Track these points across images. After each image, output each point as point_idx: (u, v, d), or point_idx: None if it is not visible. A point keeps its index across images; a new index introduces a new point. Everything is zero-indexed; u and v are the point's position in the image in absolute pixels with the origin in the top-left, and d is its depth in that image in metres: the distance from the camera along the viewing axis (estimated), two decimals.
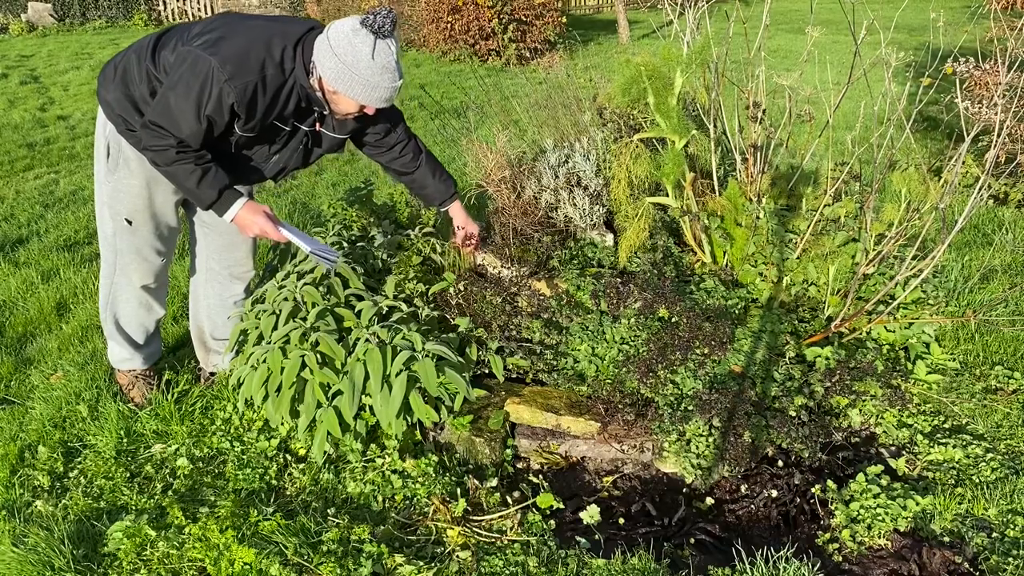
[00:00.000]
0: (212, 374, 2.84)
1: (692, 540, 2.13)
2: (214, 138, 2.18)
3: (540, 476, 2.39)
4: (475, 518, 2.19)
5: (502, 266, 2.98)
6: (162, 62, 2.18)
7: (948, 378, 2.71)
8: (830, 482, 2.25)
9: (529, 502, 2.25)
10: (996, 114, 2.37)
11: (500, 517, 2.19)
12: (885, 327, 2.74)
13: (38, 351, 3.15)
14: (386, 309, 2.62)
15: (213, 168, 2.19)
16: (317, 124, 2.34)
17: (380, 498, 2.28)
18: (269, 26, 2.18)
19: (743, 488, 2.30)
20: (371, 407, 2.40)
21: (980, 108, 2.40)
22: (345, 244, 2.96)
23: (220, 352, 2.77)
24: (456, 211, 2.73)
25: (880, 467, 2.28)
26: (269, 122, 2.22)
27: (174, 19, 16.48)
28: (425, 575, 2.00)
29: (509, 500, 2.26)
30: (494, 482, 2.32)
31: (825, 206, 2.87)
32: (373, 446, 2.42)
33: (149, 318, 2.67)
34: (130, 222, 2.42)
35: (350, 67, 2.06)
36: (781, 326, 2.71)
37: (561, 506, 2.27)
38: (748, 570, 1.95)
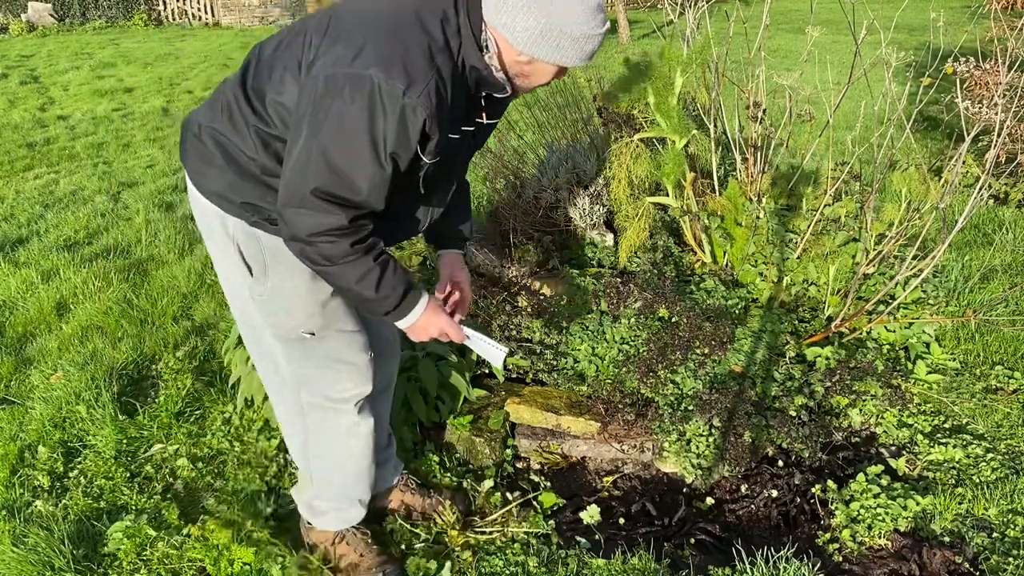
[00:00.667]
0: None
1: (692, 540, 2.13)
2: (394, 188, 1.52)
3: (541, 475, 2.39)
4: (476, 518, 2.19)
5: (502, 266, 2.98)
6: (272, 109, 1.54)
7: (948, 378, 2.71)
8: (830, 482, 2.25)
9: (530, 495, 2.25)
10: (996, 114, 2.37)
11: (501, 517, 2.19)
12: (885, 327, 2.74)
13: (38, 351, 3.15)
14: None
15: (391, 261, 1.59)
16: (484, 115, 1.67)
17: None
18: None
19: (743, 488, 2.30)
20: None
21: (980, 108, 2.40)
22: None
23: (381, 461, 2.10)
24: (453, 263, 1.97)
25: (880, 467, 2.28)
26: (454, 132, 1.56)
27: (174, 19, 16.48)
28: (425, 575, 2.00)
29: (509, 498, 2.26)
30: (490, 483, 2.32)
31: (825, 206, 2.87)
32: None
33: (361, 445, 1.91)
34: (312, 333, 1.73)
35: (557, 19, 1.43)
36: (781, 326, 2.71)
37: (562, 504, 2.27)
38: (748, 570, 1.95)
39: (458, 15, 1.49)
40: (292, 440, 1.98)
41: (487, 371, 2.66)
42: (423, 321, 1.67)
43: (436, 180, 1.62)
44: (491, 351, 1.83)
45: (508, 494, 2.27)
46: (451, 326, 1.72)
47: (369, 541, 2.03)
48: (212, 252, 1.75)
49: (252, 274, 1.68)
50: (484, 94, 1.60)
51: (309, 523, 2.05)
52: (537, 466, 2.44)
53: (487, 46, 1.51)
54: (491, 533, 2.13)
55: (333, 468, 1.94)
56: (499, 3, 1.45)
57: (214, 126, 1.61)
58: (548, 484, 2.33)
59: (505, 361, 1.93)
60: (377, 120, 1.40)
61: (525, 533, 2.13)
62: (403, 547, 2.10)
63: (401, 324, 1.66)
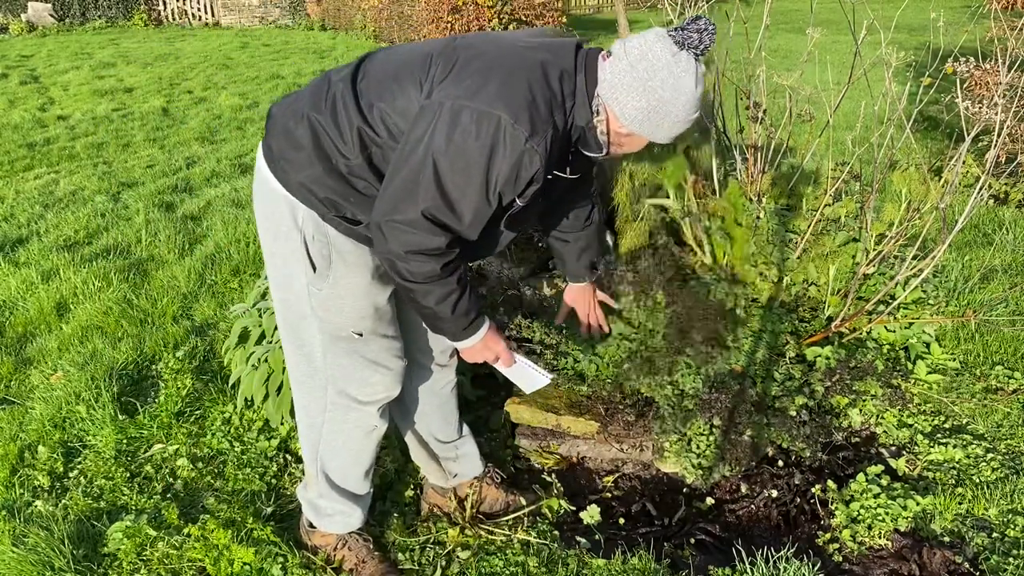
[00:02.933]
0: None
1: (692, 540, 2.13)
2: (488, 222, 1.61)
3: (547, 475, 2.39)
4: (482, 517, 2.19)
5: (502, 266, 2.98)
6: (379, 115, 1.57)
7: (948, 378, 2.71)
8: (830, 482, 2.25)
9: (542, 501, 2.25)
10: (996, 114, 2.37)
11: (514, 521, 2.19)
12: (885, 327, 2.74)
13: (38, 351, 3.15)
14: None
15: (470, 286, 1.67)
16: (568, 169, 1.75)
17: (382, 497, 2.28)
18: (532, 48, 1.58)
19: (743, 488, 2.30)
20: None
21: (980, 108, 2.40)
22: None
23: (453, 456, 2.19)
24: (576, 293, 2.21)
25: (880, 467, 2.28)
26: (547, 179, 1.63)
27: (174, 19, 16.48)
28: (426, 575, 2.00)
29: (523, 502, 2.26)
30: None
31: (825, 206, 2.87)
32: None
33: (372, 447, 1.98)
34: (360, 333, 1.78)
35: (667, 103, 1.52)
36: (781, 326, 2.71)
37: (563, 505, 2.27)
38: (748, 570, 1.95)
39: (575, 76, 1.57)
40: (308, 434, 1.96)
41: (487, 371, 2.66)
42: (480, 345, 1.76)
43: (518, 218, 1.68)
44: (534, 377, 1.90)
45: (521, 499, 2.27)
46: (505, 352, 1.82)
47: (371, 547, 2.03)
48: (270, 239, 1.74)
49: (315, 269, 1.69)
50: (574, 149, 1.69)
51: (312, 525, 2.05)
52: (538, 466, 2.44)
53: (598, 111, 1.59)
54: (498, 535, 2.13)
55: (348, 465, 1.96)
56: (614, 81, 1.54)
57: (318, 116, 1.61)
58: (561, 488, 2.32)
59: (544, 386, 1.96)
60: (496, 158, 1.46)
61: (525, 533, 2.12)
62: (403, 546, 2.10)
63: (459, 345, 1.75)
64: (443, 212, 1.51)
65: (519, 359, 1.88)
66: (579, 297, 2.24)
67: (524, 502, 2.22)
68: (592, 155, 1.69)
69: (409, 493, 2.30)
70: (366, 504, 2.05)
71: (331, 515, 2.01)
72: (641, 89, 1.51)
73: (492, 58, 1.54)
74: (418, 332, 1.99)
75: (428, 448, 2.16)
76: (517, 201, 1.58)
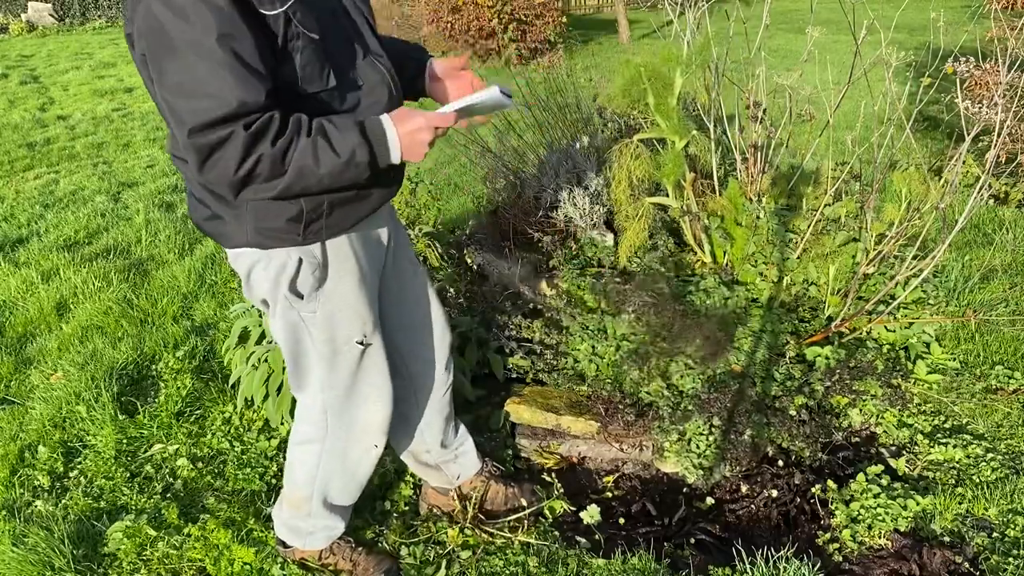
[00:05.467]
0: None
1: (692, 540, 2.13)
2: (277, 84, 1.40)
3: (550, 475, 2.39)
4: (482, 517, 2.19)
5: (502, 266, 2.98)
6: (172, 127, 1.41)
7: (948, 378, 2.71)
8: (830, 482, 2.25)
9: (544, 503, 2.25)
10: (996, 114, 2.37)
11: (515, 522, 2.19)
12: (885, 327, 2.74)
13: (38, 351, 3.15)
14: None
15: (326, 122, 1.44)
16: None
17: (380, 498, 2.28)
18: None
19: (743, 488, 2.30)
20: None
21: (980, 108, 2.40)
22: None
23: (452, 458, 2.16)
24: (431, 69, 1.83)
25: (880, 467, 2.28)
26: None
27: None
28: (426, 575, 2.00)
29: (524, 503, 2.26)
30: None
31: (825, 206, 2.87)
32: None
33: (372, 464, 1.95)
34: (364, 342, 1.74)
35: None
36: (781, 326, 2.71)
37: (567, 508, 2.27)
38: (748, 570, 1.95)
39: None
40: (304, 459, 1.90)
41: (487, 371, 2.66)
42: (403, 134, 1.50)
43: (335, 60, 1.49)
44: (489, 96, 1.61)
45: (520, 490, 2.27)
46: (435, 117, 1.54)
47: (354, 545, 2.02)
48: (264, 299, 1.69)
49: (302, 297, 1.64)
50: None
51: (286, 545, 2.02)
52: (538, 466, 2.44)
53: None
54: (497, 536, 2.13)
55: (346, 482, 1.94)
56: None
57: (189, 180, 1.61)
58: (561, 489, 2.32)
59: (507, 93, 1.62)
60: (189, 13, 1.28)
61: (526, 534, 2.12)
62: (401, 547, 2.10)
63: (394, 157, 1.51)
64: (195, 102, 1.31)
65: (460, 103, 1.60)
66: (436, 71, 1.84)
67: (523, 494, 2.22)
68: None
69: (409, 493, 2.30)
70: (348, 512, 2.03)
71: (313, 532, 1.97)
72: None
73: None
74: (424, 339, 1.96)
75: (426, 460, 2.13)
76: (285, 31, 1.38)
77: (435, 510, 2.22)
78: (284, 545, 2.03)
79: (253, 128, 1.34)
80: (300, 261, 1.60)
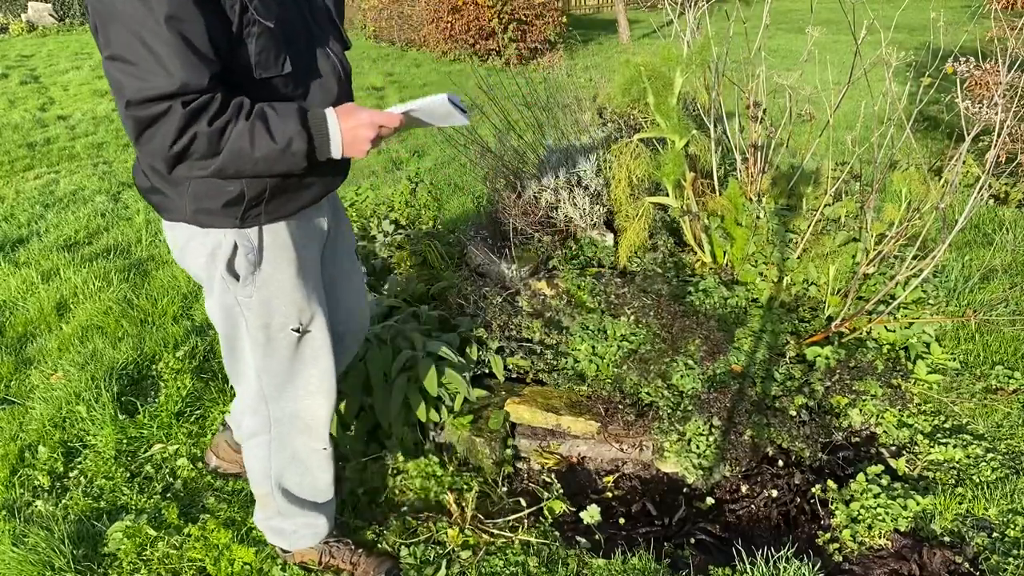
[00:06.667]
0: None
1: (692, 540, 2.13)
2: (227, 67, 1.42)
3: (550, 475, 2.39)
4: (482, 518, 2.19)
5: (502, 266, 2.98)
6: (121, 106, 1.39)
7: (948, 378, 2.71)
8: (830, 482, 2.25)
9: (543, 503, 2.25)
10: (996, 114, 2.37)
11: (516, 521, 2.19)
12: (885, 327, 2.74)
13: (38, 351, 3.15)
14: (387, 309, 2.62)
15: (268, 107, 1.44)
16: None
17: (380, 499, 2.28)
18: None
19: (743, 488, 2.30)
20: (371, 407, 2.40)
21: (980, 108, 2.40)
22: None
23: None
24: None
25: (880, 467, 2.28)
26: None
27: None
28: (426, 575, 2.00)
29: (522, 503, 2.26)
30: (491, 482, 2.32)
31: (825, 206, 2.87)
32: (373, 446, 2.42)
33: (329, 458, 1.93)
34: (301, 329, 1.73)
35: None
36: (781, 326, 2.71)
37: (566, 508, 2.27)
38: (748, 570, 1.95)
39: None
40: (256, 453, 1.90)
41: (487, 371, 2.66)
42: (346, 129, 1.49)
43: (292, 48, 1.50)
44: (439, 104, 1.57)
45: (521, 499, 2.27)
46: (381, 115, 1.53)
47: (353, 547, 2.02)
48: (200, 276, 1.70)
49: (238, 278, 1.64)
50: None
51: (284, 550, 2.02)
52: (537, 466, 2.44)
53: None
54: (497, 536, 2.13)
55: (302, 475, 1.91)
56: None
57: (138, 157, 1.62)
58: (560, 489, 2.32)
59: (462, 108, 1.61)
60: None
61: (526, 533, 2.12)
62: (401, 547, 2.10)
63: (334, 151, 1.50)
64: (139, 72, 1.32)
65: (410, 105, 1.57)
66: None
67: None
68: None
69: (409, 494, 2.30)
70: (331, 508, 2.01)
71: (296, 531, 1.96)
72: None
73: None
74: (351, 310, 1.97)
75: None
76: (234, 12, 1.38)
77: (221, 468, 2.31)
78: (283, 551, 2.03)
79: (191, 107, 1.35)
80: (235, 244, 1.60)
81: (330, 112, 1.49)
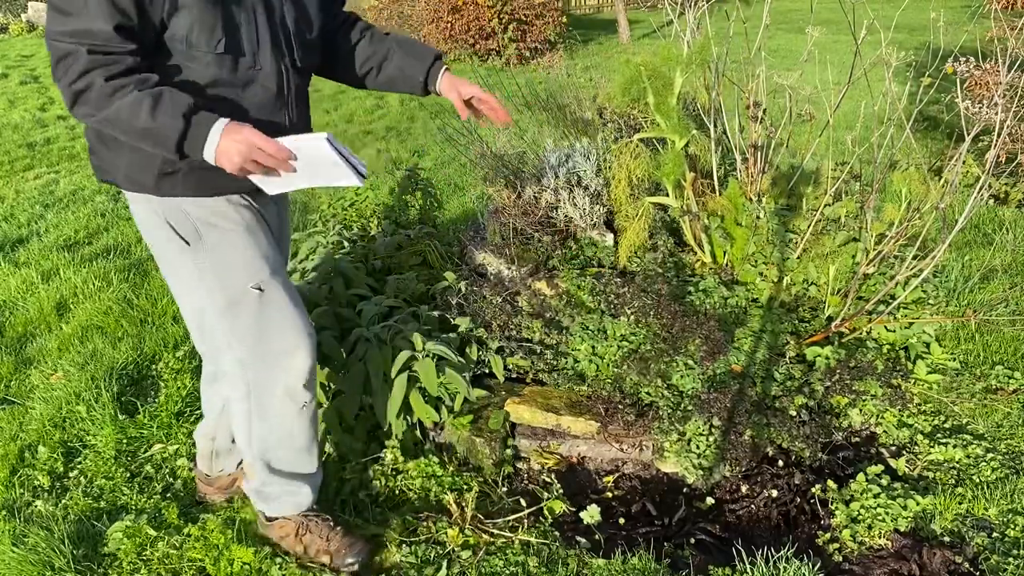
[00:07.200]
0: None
1: (692, 540, 2.13)
2: (144, 35, 1.51)
3: (550, 475, 2.39)
4: (482, 518, 2.19)
5: (502, 266, 2.98)
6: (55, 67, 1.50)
7: (948, 378, 2.71)
8: (830, 482, 2.25)
9: (543, 503, 2.25)
10: (996, 114, 2.37)
11: (515, 521, 2.19)
12: (885, 327, 2.74)
13: (38, 351, 3.15)
14: (387, 309, 2.62)
15: (168, 91, 1.51)
16: None
17: (380, 499, 2.28)
18: None
19: (743, 488, 2.30)
20: (371, 407, 2.40)
21: (980, 108, 2.40)
22: (346, 244, 2.96)
23: (228, 451, 2.21)
24: (448, 83, 1.95)
25: (880, 467, 2.28)
26: None
27: None
28: (427, 575, 2.00)
29: (522, 503, 2.26)
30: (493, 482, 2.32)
31: (825, 206, 2.87)
32: (373, 446, 2.42)
33: (306, 424, 1.92)
34: (261, 288, 1.75)
35: None
36: (781, 326, 2.71)
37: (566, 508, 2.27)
38: (748, 570, 1.95)
39: None
40: (240, 422, 1.93)
41: (487, 371, 2.66)
42: (225, 138, 1.53)
43: (232, 30, 1.58)
44: (322, 154, 1.55)
45: (521, 499, 2.27)
46: (264, 140, 1.54)
47: (332, 524, 2.04)
48: (152, 243, 1.79)
49: (189, 244, 1.71)
50: None
51: (267, 517, 2.06)
52: (537, 466, 2.44)
53: None
54: (498, 536, 2.13)
55: (283, 445, 1.93)
56: None
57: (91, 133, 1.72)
58: (560, 489, 2.32)
59: (355, 164, 1.60)
60: None
61: (527, 533, 2.12)
62: (402, 545, 2.10)
63: (207, 154, 1.54)
64: (64, 20, 1.45)
65: (302, 144, 1.56)
66: (455, 89, 1.94)
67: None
68: None
69: (409, 494, 2.29)
70: (315, 482, 2.03)
71: (279, 497, 2.00)
72: None
73: None
74: None
75: (216, 442, 2.17)
76: None
77: (211, 499, 2.27)
78: (266, 519, 2.06)
79: (95, 55, 1.45)
80: (174, 210, 1.69)
81: (222, 121, 1.54)
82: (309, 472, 2.00)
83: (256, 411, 1.88)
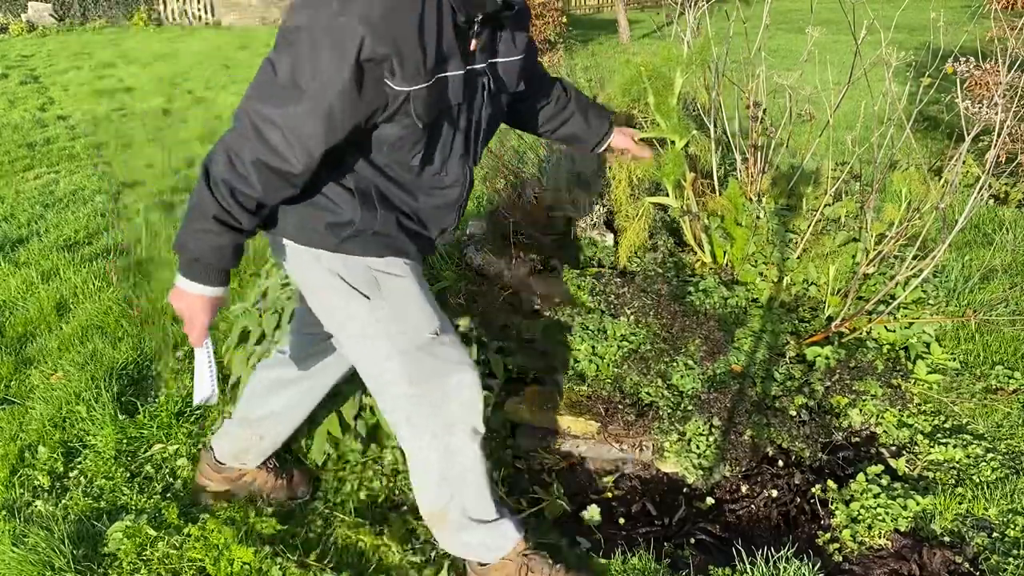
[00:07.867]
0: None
1: (692, 540, 2.13)
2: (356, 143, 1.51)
3: (550, 475, 2.39)
4: None
5: (502, 266, 2.98)
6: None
7: (948, 378, 2.71)
8: (830, 482, 2.25)
9: (543, 504, 2.25)
10: (996, 114, 2.37)
11: None
12: (885, 327, 2.74)
13: (38, 351, 3.15)
14: None
15: (242, 240, 1.57)
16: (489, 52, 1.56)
17: (380, 499, 2.28)
18: None
19: (743, 488, 2.30)
20: (371, 407, 2.40)
21: (980, 108, 2.40)
22: None
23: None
24: (619, 137, 2.17)
25: (880, 467, 2.28)
26: (439, 72, 1.44)
27: (174, 19, 16.47)
28: (427, 575, 2.00)
29: (507, 499, 2.26)
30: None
31: (825, 206, 2.87)
32: (373, 446, 2.42)
33: (481, 454, 1.82)
34: (436, 332, 1.69)
35: None
36: (781, 326, 2.71)
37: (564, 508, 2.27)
38: (748, 570, 1.95)
39: None
40: (427, 475, 1.81)
41: (487, 371, 2.66)
42: (188, 298, 1.58)
43: (430, 148, 1.57)
44: (203, 382, 1.72)
45: (521, 499, 2.27)
46: (201, 327, 1.62)
47: (551, 561, 1.89)
48: (319, 305, 1.72)
49: (369, 297, 1.64)
50: (478, 18, 1.45)
51: (482, 564, 1.87)
52: (538, 467, 2.44)
53: None
54: None
55: (473, 490, 1.82)
56: None
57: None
58: (560, 489, 2.32)
59: (206, 402, 1.74)
60: (315, 56, 1.38)
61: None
62: (399, 546, 2.10)
63: (176, 280, 1.58)
64: (281, 151, 1.45)
65: (206, 354, 1.71)
66: (628, 141, 2.21)
67: (294, 486, 2.27)
68: (509, 10, 1.47)
69: (409, 494, 2.29)
70: (507, 510, 1.88)
71: (483, 542, 1.85)
72: None
73: None
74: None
75: (263, 441, 2.16)
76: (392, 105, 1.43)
77: (208, 488, 2.25)
78: (479, 564, 1.88)
79: (274, 172, 1.48)
80: (345, 264, 1.65)
81: (203, 286, 1.58)
82: (497, 509, 1.85)
83: (447, 457, 1.76)
